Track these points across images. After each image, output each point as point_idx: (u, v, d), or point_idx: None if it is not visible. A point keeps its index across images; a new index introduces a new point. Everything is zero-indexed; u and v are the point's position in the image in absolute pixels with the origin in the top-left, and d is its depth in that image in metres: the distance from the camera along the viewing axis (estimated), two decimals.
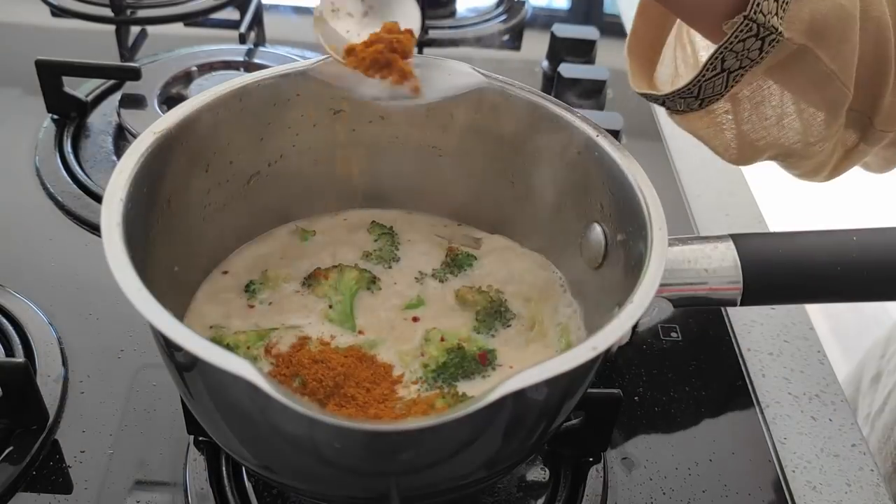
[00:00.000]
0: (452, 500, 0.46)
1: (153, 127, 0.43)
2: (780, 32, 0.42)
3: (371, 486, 0.39)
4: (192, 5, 0.96)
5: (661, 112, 0.89)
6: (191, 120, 0.44)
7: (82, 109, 0.77)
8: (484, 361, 0.47)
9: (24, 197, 0.68)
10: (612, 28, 1.04)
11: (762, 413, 0.56)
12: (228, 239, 0.51)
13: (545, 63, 0.93)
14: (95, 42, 0.92)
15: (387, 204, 0.56)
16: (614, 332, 0.35)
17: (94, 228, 0.64)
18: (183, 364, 0.36)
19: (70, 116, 0.76)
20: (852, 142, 0.51)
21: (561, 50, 0.91)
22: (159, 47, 0.89)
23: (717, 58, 0.43)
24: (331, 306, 0.49)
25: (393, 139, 0.53)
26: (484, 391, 0.31)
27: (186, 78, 0.81)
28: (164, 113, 0.57)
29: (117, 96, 0.77)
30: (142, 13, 0.95)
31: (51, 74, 0.74)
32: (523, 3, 1.03)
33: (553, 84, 0.85)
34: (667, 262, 0.39)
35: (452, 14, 1.02)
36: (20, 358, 0.52)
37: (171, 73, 0.80)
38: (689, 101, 0.47)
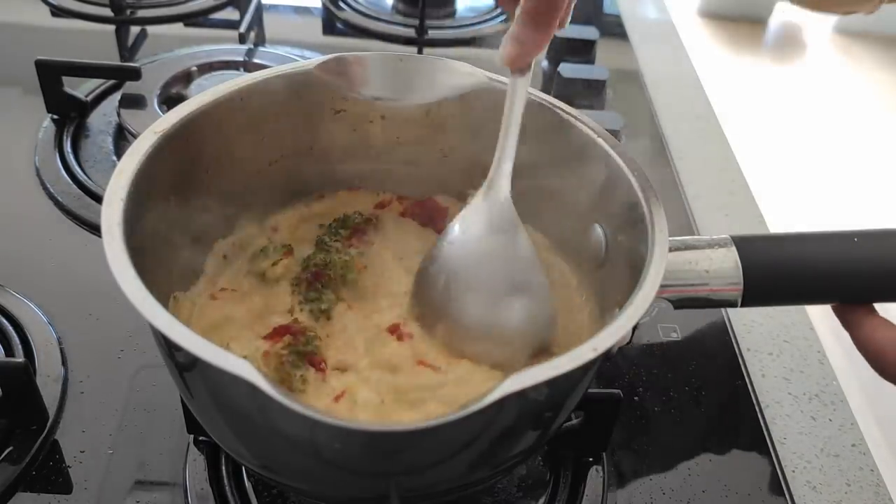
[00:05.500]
0: (452, 500, 0.46)
1: (154, 127, 0.43)
2: None
3: (371, 487, 0.39)
4: (192, 5, 0.96)
5: (660, 112, 0.89)
6: (191, 120, 0.44)
7: (82, 109, 0.77)
8: None
9: (24, 197, 0.68)
10: (612, 28, 1.04)
11: (762, 413, 0.56)
12: (231, 238, 0.51)
13: (545, 63, 0.93)
14: (95, 42, 0.92)
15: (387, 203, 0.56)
16: (615, 332, 0.35)
17: (94, 228, 0.64)
18: (183, 364, 0.36)
19: (70, 116, 0.76)
20: None
21: (561, 50, 0.91)
22: (159, 47, 0.89)
23: None
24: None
25: (394, 139, 0.53)
26: (483, 392, 0.32)
27: (186, 78, 0.81)
28: (164, 113, 0.57)
29: (117, 96, 0.77)
30: (142, 13, 0.95)
31: (51, 74, 0.74)
32: None
33: (553, 84, 0.85)
34: (667, 263, 0.39)
35: (452, 14, 1.02)
36: (20, 358, 0.52)
37: (171, 73, 0.80)
38: None
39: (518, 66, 0.44)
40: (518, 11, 0.41)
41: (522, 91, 0.44)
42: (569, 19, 0.44)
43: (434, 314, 0.45)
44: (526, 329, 0.45)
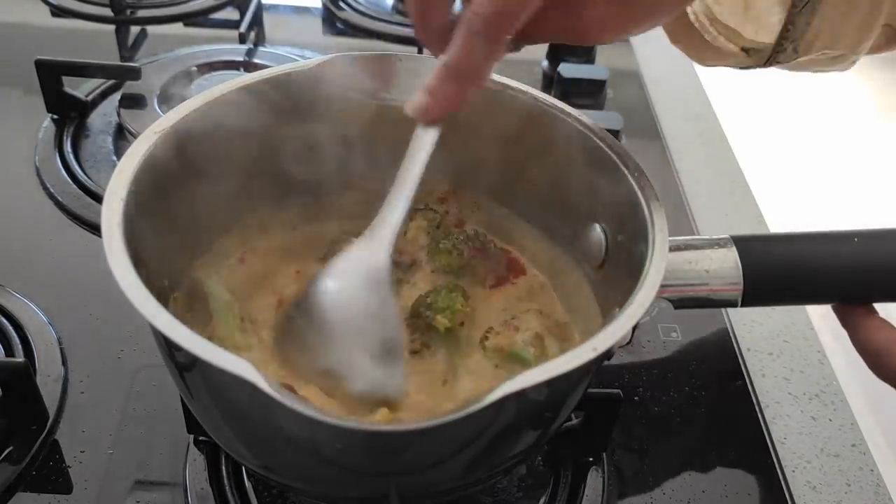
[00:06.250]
0: (452, 500, 0.46)
1: (154, 126, 0.43)
2: None
3: (371, 486, 0.39)
4: (192, 5, 0.96)
5: (660, 112, 0.89)
6: (191, 119, 0.44)
7: (82, 109, 0.77)
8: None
9: (24, 197, 0.68)
10: None
11: (762, 413, 0.56)
12: (231, 239, 0.51)
13: (545, 63, 0.93)
14: (95, 42, 0.92)
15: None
16: (615, 332, 0.35)
17: (94, 228, 0.64)
18: (183, 364, 0.36)
19: (70, 116, 0.76)
20: (877, 45, 0.50)
21: (561, 50, 0.91)
22: (159, 47, 0.89)
23: None
24: None
25: (393, 140, 0.53)
26: (483, 392, 0.32)
27: (186, 78, 0.81)
28: (164, 113, 0.57)
29: (117, 96, 0.77)
30: (142, 13, 0.95)
31: (51, 74, 0.74)
32: None
33: (553, 84, 0.85)
34: (667, 263, 0.39)
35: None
36: (20, 358, 0.52)
37: (171, 73, 0.80)
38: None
39: (428, 120, 0.41)
40: (439, 63, 0.39)
41: (429, 143, 0.42)
42: (488, 77, 0.41)
43: (292, 359, 0.43)
44: (381, 386, 0.42)
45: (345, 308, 0.42)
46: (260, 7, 0.96)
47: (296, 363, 0.43)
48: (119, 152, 0.73)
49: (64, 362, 0.54)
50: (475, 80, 0.39)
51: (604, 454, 0.51)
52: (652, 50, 1.01)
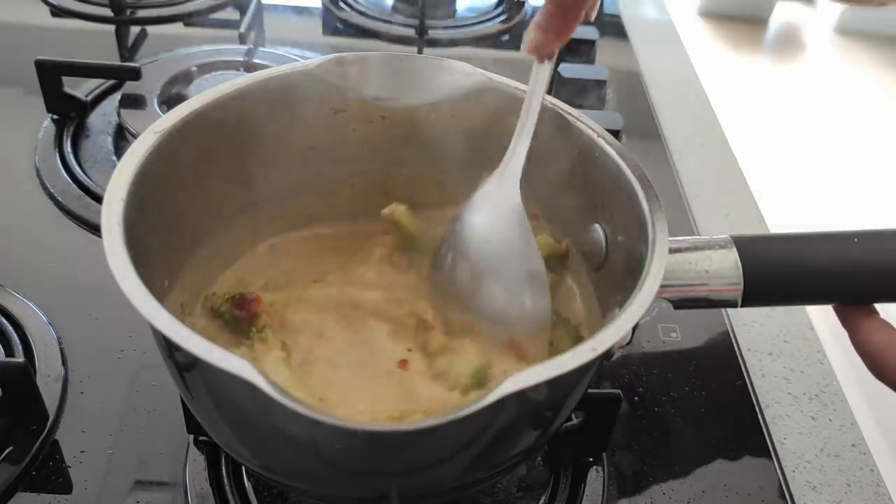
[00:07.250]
0: (452, 500, 0.46)
1: (154, 126, 0.43)
2: None
3: (371, 487, 0.39)
4: (192, 5, 0.97)
5: (660, 112, 0.89)
6: (191, 119, 0.44)
7: (82, 109, 0.77)
8: None
9: (24, 197, 0.68)
10: (612, 28, 1.04)
11: (762, 413, 0.56)
12: (231, 240, 0.51)
13: None
14: (95, 42, 0.92)
15: (388, 203, 0.56)
16: (615, 333, 0.35)
17: (94, 228, 0.64)
18: (183, 364, 0.36)
19: (70, 116, 0.76)
20: None
21: (561, 50, 0.91)
22: (159, 47, 0.89)
23: None
24: None
25: (393, 139, 0.53)
26: (483, 393, 0.32)
27: (186, 78, 0.81)
28: (164, 113, 0.57)
29: (117, 96, 0.77)
30: (142, 13, 0.95)
31: (51, 74, 0.74)
32: (523, 3, 1.04)
33: (553, 84, 0.85)
34: (667, 263, 0.39)
35: (452, 14, 1.02)
36: (20, 358, 0.52)
37: (171, 73, 0.80)
38: None
39: (542, 55, 0.46)
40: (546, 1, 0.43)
41: (544, 78, 0.46)
42: (595, 12, 0.46)
43: (446, 296, 0.47)
44: (530, 315, 0.45)
45: (488, 241, 0.45)
46: (260, 7, 0.96)
47: (448, 295, 0.46)
48: (119, 152, 0.73)
49: (64, 362, 0.54)
50: (578, 12, 0.43)
51: (604, 454, 0.51)
52: (652, 50, 1.01)
